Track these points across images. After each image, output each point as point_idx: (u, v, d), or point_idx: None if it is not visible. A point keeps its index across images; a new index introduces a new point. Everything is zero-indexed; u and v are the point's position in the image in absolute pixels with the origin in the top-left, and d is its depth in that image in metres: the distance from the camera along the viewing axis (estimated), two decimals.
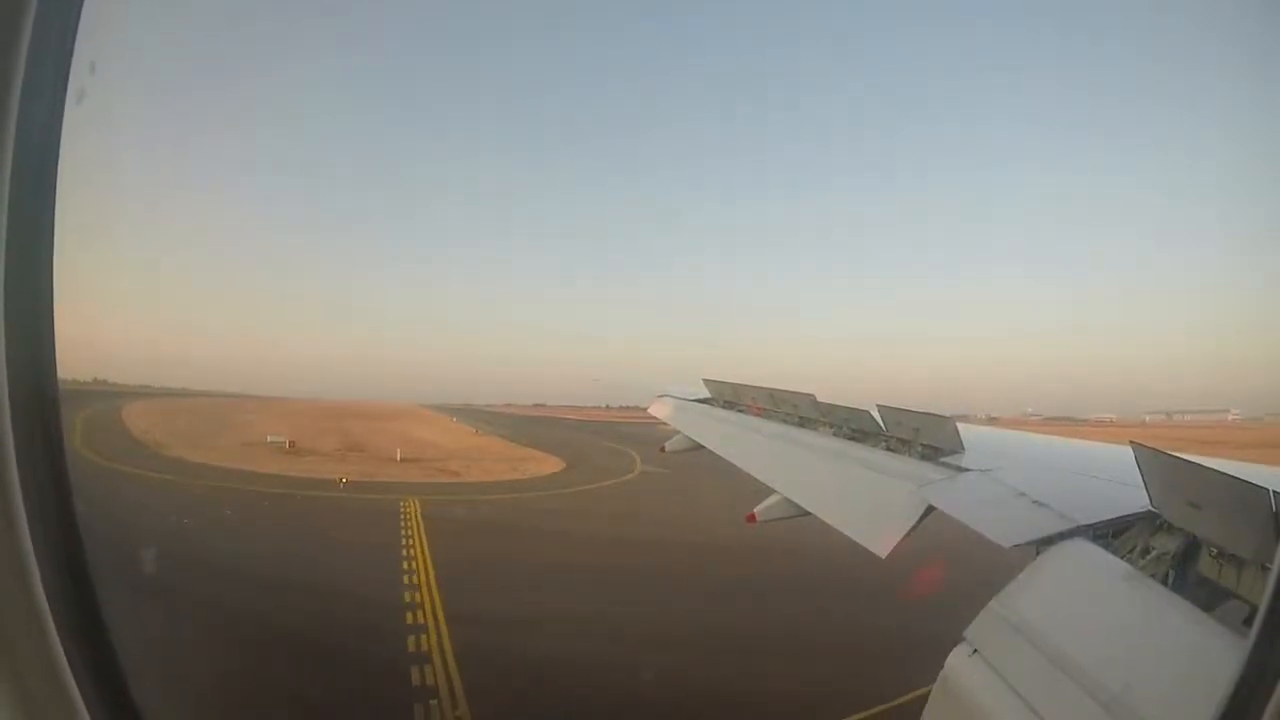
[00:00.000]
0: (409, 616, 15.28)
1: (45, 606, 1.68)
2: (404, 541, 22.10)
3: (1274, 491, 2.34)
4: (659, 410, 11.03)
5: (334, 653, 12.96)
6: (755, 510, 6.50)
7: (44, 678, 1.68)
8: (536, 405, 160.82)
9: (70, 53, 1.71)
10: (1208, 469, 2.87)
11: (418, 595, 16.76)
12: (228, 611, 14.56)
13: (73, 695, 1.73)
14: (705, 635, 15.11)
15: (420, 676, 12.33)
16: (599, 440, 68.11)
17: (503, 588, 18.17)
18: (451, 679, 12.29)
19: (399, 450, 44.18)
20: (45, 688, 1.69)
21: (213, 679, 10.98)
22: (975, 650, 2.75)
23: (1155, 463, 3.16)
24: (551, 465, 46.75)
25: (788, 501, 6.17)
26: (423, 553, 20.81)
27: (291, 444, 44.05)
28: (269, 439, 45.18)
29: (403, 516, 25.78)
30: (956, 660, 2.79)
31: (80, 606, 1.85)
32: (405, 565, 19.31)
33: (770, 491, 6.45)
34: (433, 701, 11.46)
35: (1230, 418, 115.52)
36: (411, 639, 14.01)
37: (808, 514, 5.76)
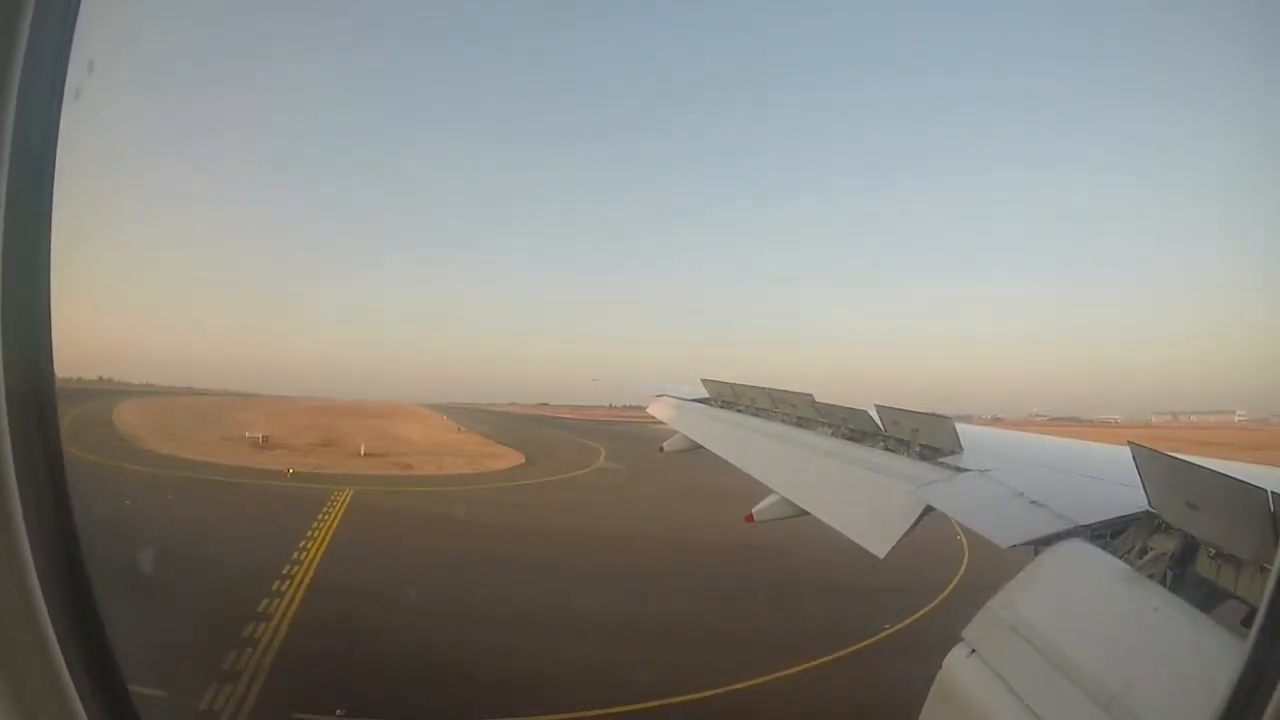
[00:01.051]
0: (275, 585, 17.29)
1: (42, 602, 1.68)
2: (315, 525, 24.19)
3: (1272, 492, 2.36)
4: (657, 410, 11.18)
5: (196, 610, 14.99)
6: (754, 510, 6.56)
7: (40, 673, 1.69)
8: (540, 405, 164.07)
9: (68, 51, 1.73)
10: (1205, 469, 2.91)
11: (296, 569, 18.80)
12: (141, 574, 16.61)
13: (69, 692, 1.75)
14: (560, 619, 16.46)
15: (251, 630, 14.31)
16: (578, 438, 70.18)
17: (374, 568, 20.02)
18: (276, 635, 14.23)
19: (363, 446, 46.69)
20: (41, 683, 1.70)
21: (124, 635, 12.96)
22: (973, 650, 2.75)
23: (1153, 463, 3.18)
24: (512, 460, 48.86)
25: (786, 501, 6.21)
26: (325, 535, 22.91)
27: (264, 439, 46.87)
28: (246, 435, 48.07)
29: (329, 505, 27.94)
30: (954, 660, 2.79)
31: (77, 602, 1.86)
32: (302, 544, 21.41)
33: (769, 491, 6.49)
34: (249, 650, 13.42)
35: (1237, 418, 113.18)
36: (265, 602, 16.01)
37: (806, 514, 5.79)
